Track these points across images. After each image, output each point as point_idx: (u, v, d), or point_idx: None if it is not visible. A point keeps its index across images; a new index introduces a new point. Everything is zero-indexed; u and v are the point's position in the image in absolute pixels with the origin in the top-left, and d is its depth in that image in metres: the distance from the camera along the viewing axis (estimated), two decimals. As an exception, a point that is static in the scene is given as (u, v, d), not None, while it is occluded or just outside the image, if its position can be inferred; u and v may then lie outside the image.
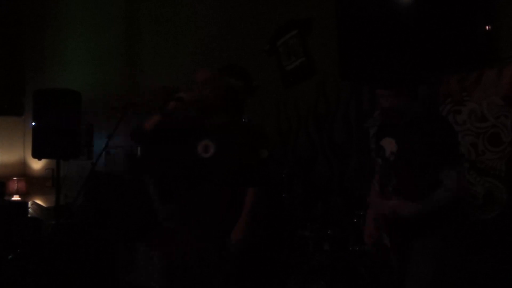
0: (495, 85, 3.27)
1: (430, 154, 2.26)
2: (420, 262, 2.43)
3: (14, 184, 7.51)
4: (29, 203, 7.04)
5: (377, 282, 3.12)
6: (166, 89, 2.65)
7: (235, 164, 2.57)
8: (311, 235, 3.54)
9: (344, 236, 3.54)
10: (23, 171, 7.93)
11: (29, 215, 6.74)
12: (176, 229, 2.92)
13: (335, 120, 4.24)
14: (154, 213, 4.55)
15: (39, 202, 7.26)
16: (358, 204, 3.63)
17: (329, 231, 3.56)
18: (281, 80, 4.64)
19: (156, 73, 5.87)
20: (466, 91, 3.41)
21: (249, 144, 2.62)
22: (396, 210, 2.33)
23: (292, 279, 3.50)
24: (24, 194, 7.56)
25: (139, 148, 5.38)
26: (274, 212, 4.02)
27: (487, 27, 3.22)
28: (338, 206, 4.03)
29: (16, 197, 7.48)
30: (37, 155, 4.94)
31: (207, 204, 2.59)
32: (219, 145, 2.59)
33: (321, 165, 4.31)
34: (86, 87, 6.13)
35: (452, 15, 3.32)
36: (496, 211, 3.25)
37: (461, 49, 3.31)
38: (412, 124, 2.46)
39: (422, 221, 2.39)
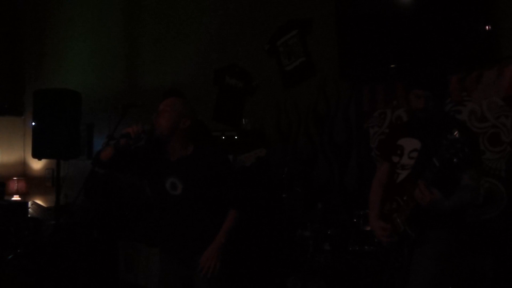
0: (495, 85, 3.27)
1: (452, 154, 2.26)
2: (424, 261, 2.42)
3: (14, 184, 7.51)
4: (29, 203, 7.04)
5: (377, 282, 3.12)
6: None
7: (205, 196, 2.54)
8: (311, 235, 3.54)
9: (344, 236, 3.54)
10: (23, 171, 7.93)
11: (29, 215, 6.75)
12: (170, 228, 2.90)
13: (335, 120, 4.24)
14: (153, 213, 4.55)
15: (39, 202, 7.26)
16: (358, 204, 3.63)
17: (329, 231, 3.56)
18: (281, 80, 4.64)
19: (156, 74, 5.88)
20: (466, 91, 3.41)
21: (219, 171, 2.55)
22: (436, 203, 2.32)
23: (292, 279, 3.50)
24: (24, 194, 7.57)
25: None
26: (274, 212, 4.03)
27: (487, 27, 3.22)
28: (338, 206, 4.03)
29: (16, 197, 7.48)
30: (37, 155, 4.93)
31: (183, 223, 2.58)
32: (186, 181, 2.54)
33: (321, 165, 4.31)
34: (86, 87, 6.14)
35: (452, 15, 3.32)
36: (496, 211, 3.25)
37: (461, 49, 3.31)
38: (434, 123, 2.50)
39: (445, 216, 2.43)
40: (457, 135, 2.18)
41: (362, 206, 3.40)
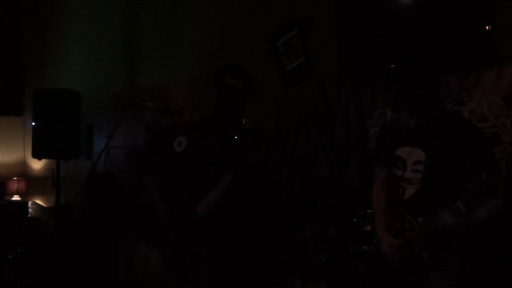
0: (495, 85, 3.27)
1: (466, 161, 2.17)
2: (445, 283, 2.34)
3: (14, 184, 7.52)
4: (29, 203, 7.05)
5: (377, 282, 3.12)
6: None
7: (205, 155, 3.06)
8: (311, 235, 3.54)
9: (344, 236, 3.54)
10: (23, 171, 7.94)
11: (29, 215, 6.75)
12: (172, 227, 2.99)
13: (335, 120, 4.24)
14: (153, 213, 4.55)
15: (39, 202, 7.26)
16: (358, 204, 3.63)
17: (329, 231, 3.56)
18: (281, 80, 4.64)
19: (156, 74, 5.88)
20: (466, 91, 3.41)
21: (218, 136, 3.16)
22: (466, 224, 2.24)
23: (292, 279, 3.50)
24: (24, 194, 7.58)
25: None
26: (274, 212, 4.03)
27: (487, 27, 3.22)
28: (338, 206, 4.03)
29: (16, 197, 7.49)
30: (37, 155, 4.94)
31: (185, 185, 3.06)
32: (190, 140, 3.08)
33: (321, 165, 4.31)
34: (86, 87, 6.14)
35: (452, 15, 3.32)
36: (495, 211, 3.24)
37: (461, 49, 3.31)
38: (433, 129, 2.34)
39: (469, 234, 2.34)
40: (485, 178, 2.04)
41: (362, 206, 3.40)
